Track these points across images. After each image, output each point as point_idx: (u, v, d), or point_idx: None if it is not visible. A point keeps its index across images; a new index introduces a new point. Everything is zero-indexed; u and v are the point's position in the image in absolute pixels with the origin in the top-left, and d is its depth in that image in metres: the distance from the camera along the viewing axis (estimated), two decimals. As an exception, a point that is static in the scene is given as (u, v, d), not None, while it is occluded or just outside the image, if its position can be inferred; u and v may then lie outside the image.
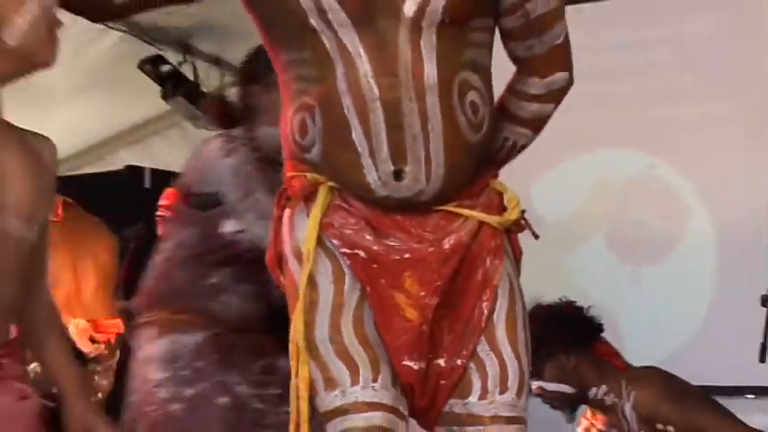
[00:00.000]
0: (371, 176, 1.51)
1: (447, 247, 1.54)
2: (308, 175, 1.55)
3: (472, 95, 1.56)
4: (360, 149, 1.51)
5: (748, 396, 3.70)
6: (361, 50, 1.50)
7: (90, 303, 4.25)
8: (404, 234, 1.54)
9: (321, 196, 1.54)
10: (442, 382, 1.55)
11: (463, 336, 1.55)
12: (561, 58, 1.69)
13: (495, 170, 1.67)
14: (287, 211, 1.61)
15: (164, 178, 4.27)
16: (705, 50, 3.97)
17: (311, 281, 1.51)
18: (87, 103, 5.30)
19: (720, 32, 3.94)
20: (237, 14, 4.18)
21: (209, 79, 5.36)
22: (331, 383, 1.50)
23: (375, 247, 1.53)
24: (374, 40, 1.51)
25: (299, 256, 1.55)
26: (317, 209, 1.54)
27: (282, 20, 1.55)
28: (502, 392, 1.55)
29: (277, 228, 1.64)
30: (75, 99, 5.19)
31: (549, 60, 1.69)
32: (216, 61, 5.47)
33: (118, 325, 3.99)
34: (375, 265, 1.52)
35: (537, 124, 1.72)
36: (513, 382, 1.55)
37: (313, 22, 1.50)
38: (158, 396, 2.29)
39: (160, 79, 5.18)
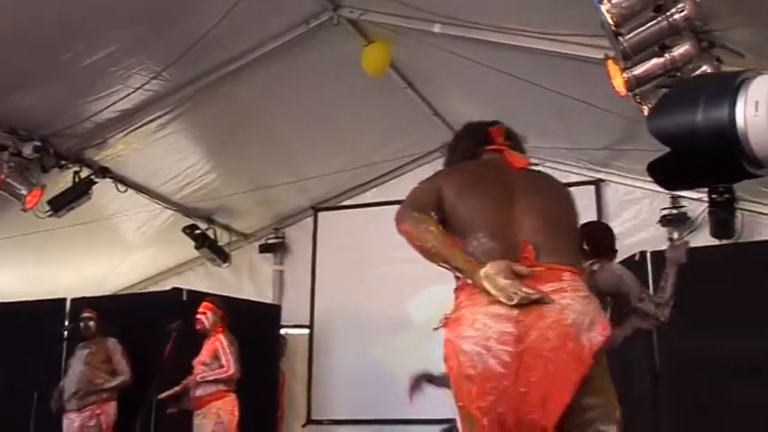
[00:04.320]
0: None
1: None
2: None
3: None
4: None
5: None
6: None
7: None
8: None
9: None
10: None
11: None
12: None
13: None
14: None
15: (195, 295, 5.90)
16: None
17: None
18: (152, 250, 7.04)
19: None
20: (240, 203, 6.69)
21: (223, 238, 7.14)
22: None
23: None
24: None
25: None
26: None
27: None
28: None
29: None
30: (145, 248, 6.94)
31: None
32: (227, 228, 7.18)
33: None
34: None
35: None
36: None
37: None
38: None
39: (194, 238, 6.77)
